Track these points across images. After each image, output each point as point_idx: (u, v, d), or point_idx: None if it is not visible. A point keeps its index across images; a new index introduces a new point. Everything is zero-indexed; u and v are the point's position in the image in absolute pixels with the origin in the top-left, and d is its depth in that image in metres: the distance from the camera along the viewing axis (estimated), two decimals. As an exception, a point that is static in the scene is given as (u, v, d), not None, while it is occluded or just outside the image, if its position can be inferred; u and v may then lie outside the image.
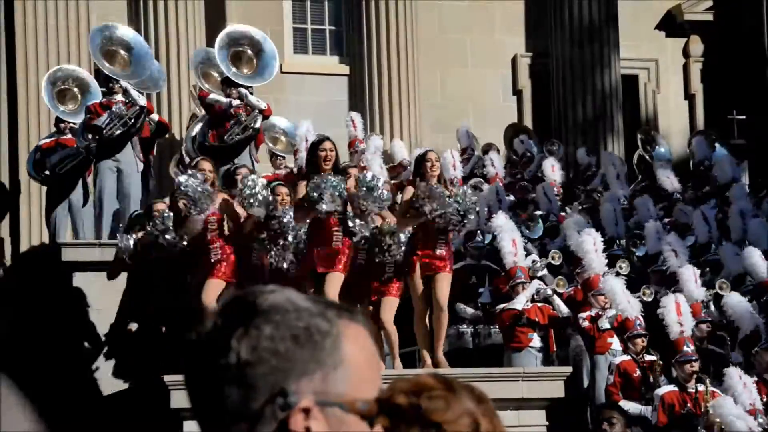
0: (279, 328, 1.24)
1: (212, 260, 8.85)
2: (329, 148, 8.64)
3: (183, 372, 1.29)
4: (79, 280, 10.44)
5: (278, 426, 1.22)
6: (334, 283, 8.43)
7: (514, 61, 16.62)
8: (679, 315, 9.45)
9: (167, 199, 10.26)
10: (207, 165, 9.24)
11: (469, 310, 10.79)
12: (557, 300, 10.28)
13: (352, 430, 1.24)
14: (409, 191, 8.85)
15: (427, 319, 8.94)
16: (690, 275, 10.46)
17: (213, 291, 8.65)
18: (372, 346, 1.29)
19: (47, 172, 12.26)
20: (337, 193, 8.40)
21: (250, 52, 12.37)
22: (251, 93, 12.01)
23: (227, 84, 11.97)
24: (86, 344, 10.15)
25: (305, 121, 12.84)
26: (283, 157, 13.02)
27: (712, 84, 17.10)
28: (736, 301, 10.17)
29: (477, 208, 9.17)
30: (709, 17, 17.25)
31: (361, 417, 1.24)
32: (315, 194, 8.36)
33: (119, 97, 11.79)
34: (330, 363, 1.24)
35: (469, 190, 9.08)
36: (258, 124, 11.80)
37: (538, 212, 12.81)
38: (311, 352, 1.23)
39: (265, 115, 11.91)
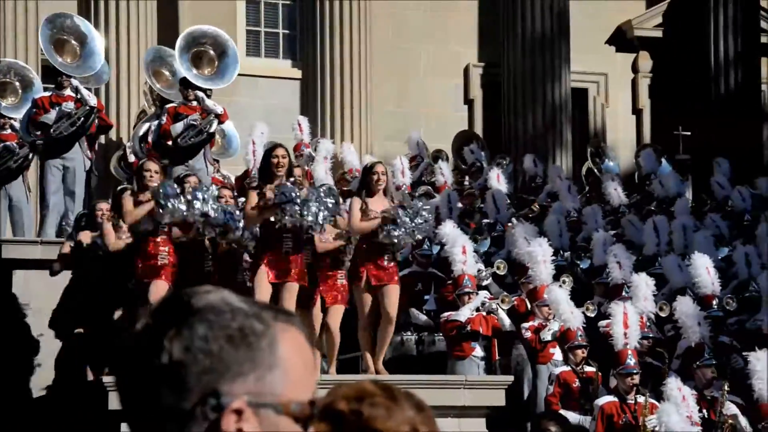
0: (213, 328, 1.22)
1: (159, 263, 8.79)
2: (281, 154, 8.62)
3: (114, 372, 1.28)
4: (20, 277, 10.29)
5: (209, 426, 1.21)
6: (291, 294, 8.43)
7: (466, 70, 16.71)
8: (625, 327, 9.54)
9: (110, 201, 10.18)
10: (153, 166, 9.16)
11: (422, 317, 10.84)
12: (501, 313, 10.34)
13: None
14: (357, 202, 8.87)
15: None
16: (643, 286, 10.54)
17: (159, 292, 8.59)
18: (308, 349, 1.28)
19: None
20: (323, 208, 8.41)
21: (212, 52, 12.28)
22: (209, 96, 11.93)
23: (185, 85, 11.86)
24: (24, 343, 10.02)
25: (260, 124, 12.78)
26: (217, 161, 12.85)
27: (660, 99, 17.34)
28: (688, 308, 10.23)
29: (427, 231, 9.28)
30: (659, 34, 17.49)
31: (295, 419, 1.23)
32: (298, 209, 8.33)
33: (68, 92, 11.64)
34: (265, 364, 1.23)
35: (425, 213, 9.09)
36: (213, 128, 11.73)
37: (486, 220, 12.87)
38: (246, 353, 1.22)
39: (221, 120, 11.83)
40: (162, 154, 11.16)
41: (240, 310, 1.25)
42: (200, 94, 11.78)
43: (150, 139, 11.95)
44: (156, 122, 11.99)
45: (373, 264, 8.80)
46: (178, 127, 11.48)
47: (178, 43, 12.14)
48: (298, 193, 8.35)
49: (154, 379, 1.22)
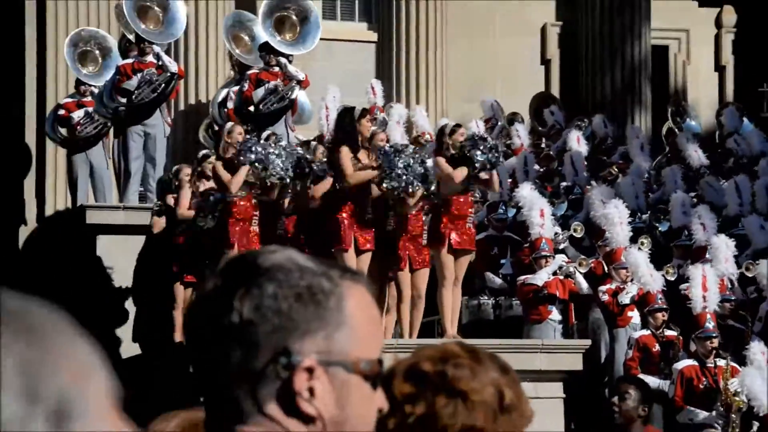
0: (281, 287, 1.22)
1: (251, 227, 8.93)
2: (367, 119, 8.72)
3: (185, 333, 1.29)
4: (103, 243, 10.53)
5: (281, 385, 1.21)
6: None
7: (543, 30, 16.47)
8: (704, 290, 9.41)
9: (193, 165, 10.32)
10: (238, 129, 9.26)
11: (497, 281, 10.82)
12: (579, 276, 10.27)
13: (355, 390, 1.24)
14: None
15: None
16: (724, 248, 10.34)
17: None
18: (374, 308, 1.28)
19: (64, 133, 12.32)
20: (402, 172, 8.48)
21: (294, 17, 12.28)
22: (290, 62, 11.94)
23: (266, 50, 11.88)
24: (109, 307, 10.27)
25: (332, 88, 12.78)
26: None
27: (744, 56, 16.88)
28: None
29: (429, 177, 9.09)
30: (743, -12, 16.99)
31: (364, 377, 1.24)
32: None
33: (150, 59, 11.79)
34: (333, 322, 1.22)
35: (425, 158, 9.06)
36: (294, 95, 11.76)
37: (564, 183, 12.74)
38: (314, 311, 1.22)
39: (303, 86, 11.86)
40: (243, 120, 11.26)
41: (307, 269, 1.25)
42: (282, 59, 11.82)
43: (231, 105, 12.05)
44: (236, 88, 12.07)
45: (455, 228, 8.81)
46: (260, 92, 11.54)
47: (262, 8, 12.17)
48: (398, 160, 8.42)
49: (224, 338, 1.22)
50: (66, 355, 0.88)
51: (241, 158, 8.78)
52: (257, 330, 1.22)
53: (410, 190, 8.58)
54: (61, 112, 12.45)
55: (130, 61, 11.92)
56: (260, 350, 1.22)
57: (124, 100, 11.68)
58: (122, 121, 11.89)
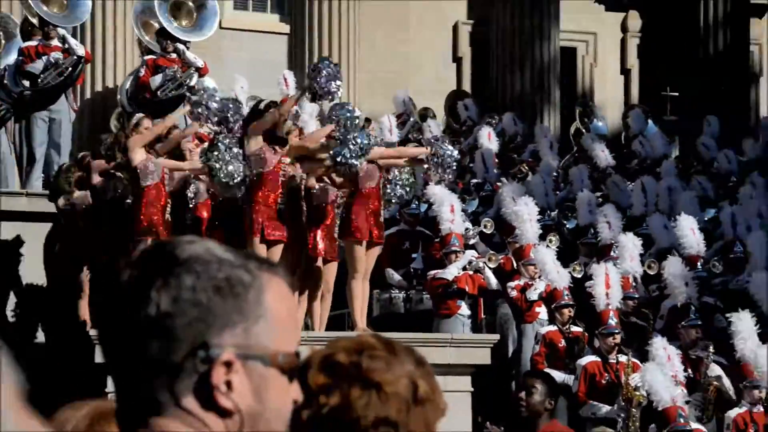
0: (200, 279, 1.21)
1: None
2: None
3: (99, 324, 1.25)
4: (6, 229, 10.25)
5: (198, 378, 1.20)
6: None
7: (455, 27, 16.61)
8: (607, 287, 9.60)
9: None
10: (148, 122, 9.10)
11: (396, 277, 10.87)
12: (488, 272, 10.39)
13: (273, 383, 1.22)
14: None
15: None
16: (630, 246, 10.57)
17: None
18: (293, 299, 1.27)
19: None
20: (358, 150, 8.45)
21: (191, 4, 12.13)
22: (188, 48, 11.79)
23: (163, 36, 11.72)
24: (12, 295, 10.00)
25: (240, 77, 12.66)
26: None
27: (649, 59, 17.31)
28: (676, 268, 10.27)
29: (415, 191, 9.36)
30: (649, -7, 17.42)
31: (282, 371, 1.23)
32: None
33: (56, 43, 11.51)
34: (252, 315, 1.21)
35: (407, 174, 9.18)
36: (193, 82, 11.61)
37: (474, 180, 12.87)
38: (233, 304, 1.21)
39: (201, 73, 11.71)
40: (139, 106, 11.06)
41: (226, 261, 1.23)
42: (180, 46, 11.66)
43: (126, 90, 11.85)
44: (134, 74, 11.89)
45: (368, 220, 8.82)
46: (158, 79, 11.35)
47: (157, -7, 12.00)
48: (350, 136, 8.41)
49: (142, 331, 1.20)
50: None
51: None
52: (175, 322, 1.20)
53: (351, 165, 8.56)
54: None
55: (34, 43, 11.61)
56: (178, 343, 1.20)
57: (27, 84, 11.36)
58: (26, 105, 11.58)
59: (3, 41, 12.18)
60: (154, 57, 11.70)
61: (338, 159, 8.49)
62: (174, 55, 11.60)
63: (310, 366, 1.61)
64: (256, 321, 1.21)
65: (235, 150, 8.61)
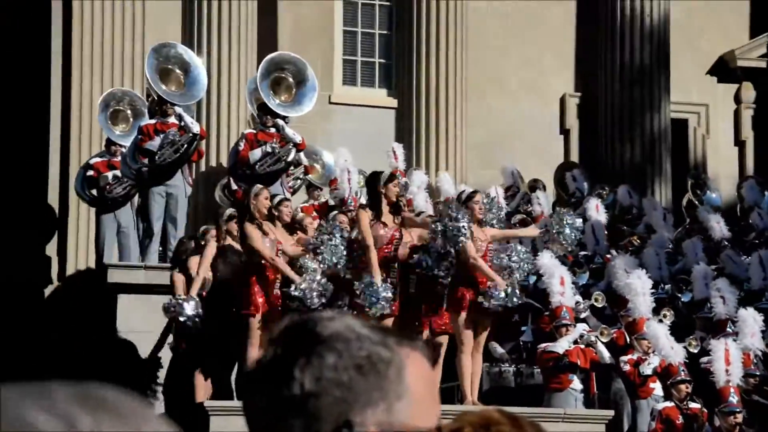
0: (342, 357, 1.22)
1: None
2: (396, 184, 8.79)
3: (243, 401, 1.27)
4: (124, 302, 10.51)
5: None
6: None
7: (562, 100, 16.60)
8: (727, 363, 9.33)
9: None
10: (266, 193, 9.28)
11: (500, 350, 10.77)
12: (600, 346, 10.20)
13: None
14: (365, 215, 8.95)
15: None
16: (751, 322, 10.27)
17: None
18: (432, 374, 1.27)
19: (94, 193, 12.38)
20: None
21: (291, 79, 12.39)
22: (287, 123, 12.01)
23: (264, 111, 11.98)
24: (127, 367, 10.19)
25: (342, 149, 12.83)
26: (320, 188, 12.96)
27: (763, 131, 16.96)
28: None
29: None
30: (763, 64, 17.14)
31: None
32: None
33: (172, 120, 11.88)
34: (393, 393, 1.22)
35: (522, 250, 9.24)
36: (291, 157, 11.81)
37: (583, 252, 12.72)
38: (375, 382, 1.22)
39: (299, 148, 11.91)
40: (238, 180, 11.28)
41: (366, 337, 1.24)
42: (280, 121, 11.88)
43: (226, 164, 12.11)
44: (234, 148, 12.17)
45: (475, 292, 8.79)
46: (257, 153, 11.58)
47: (260, 68, 12.29)
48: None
49: (285, 409, 1.22)
50: None
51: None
52: (318, 402, 1.21)
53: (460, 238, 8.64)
54: (90, 172, 12.54)
55: (152, 121, 12.01)
56: (321, 421, 1.21)
57: (146, 161, 11.74)
58: (144, 181, 11.95)
59: (131, 119, 12.64)
60: (253, 132, 11.96)
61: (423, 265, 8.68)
62: (273, 130, 11.82)
63: None
64: (397, 398, 1.22)
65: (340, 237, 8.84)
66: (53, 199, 13.72)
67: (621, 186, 14.48)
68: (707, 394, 9.57)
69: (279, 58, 12.52)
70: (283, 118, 11.96)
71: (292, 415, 1.21)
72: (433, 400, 1.25)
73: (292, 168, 12.11)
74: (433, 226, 8.87)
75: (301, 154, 12.14)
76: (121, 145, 12.45)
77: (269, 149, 11.55)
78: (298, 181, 12.68)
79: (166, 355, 10.07)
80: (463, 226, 8.81)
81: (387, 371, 1.22)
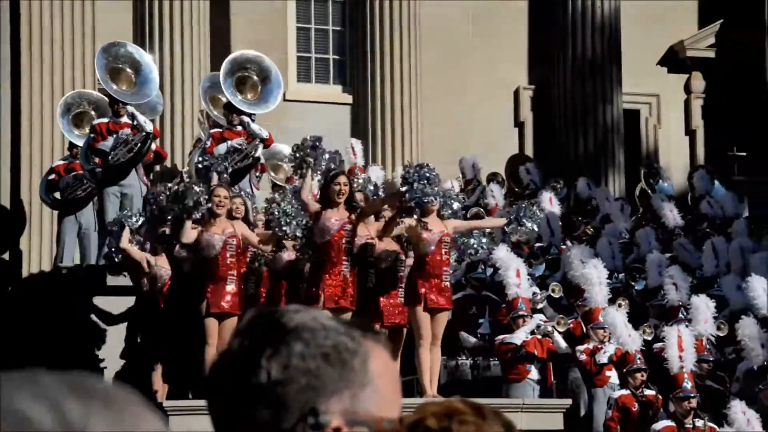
0: (309, 346, 1.24)
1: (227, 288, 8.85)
2: (343, 182, 8.73)
3: (208, 392, 1.29)
4: (85, 302, 10.44)
5: None
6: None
7: (516, 92, 16.71)
8: (680, 350, 9.45)
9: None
10: (223, 192, 9.24)
11: (472, 339, 10.82)
12: (557, 335, 10.29)
13: None
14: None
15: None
16: (704, 308, 10.40)
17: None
18: (394, 366, 1.30)
19: (57, 196, 12.30)
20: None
21: (255, 77, 12.39)
22: (253, 120, 12.01)
23: (229, 110, 11.97)
24: (88, 364, 10.13)
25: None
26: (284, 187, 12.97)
27: (713, 120, 17.20)
28: (752, 330, 10.08)
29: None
30: (711, 54, 17.37)
31: None
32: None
33: (125, 119, 11.81)
34: (358, 383, 1.24)
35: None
36: (258, 153, 11.80)
37: (539, 244, 12.82)
38: (340, 371, 1.24)
39: (267, 144, 11.91)
40: (207, 177, 11.25)
41: (332, 328, 1.26)
42: (245, 118, 11.87)
43: (195, 162, 12.08)
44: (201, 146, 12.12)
45: (431, 285, 8.83)
46: (222, 149, 11.57)
47: (223, 68, 12.27)
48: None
49: (252, 398, 1.23)
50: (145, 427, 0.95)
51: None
52: (285, 390, 1.23)
53: (427, 201, 8.65)
54: (52, 176, 12.47)
55: (105, 120, 11.94)
56: (288, 410, 1.22)
57: (97, 161, 11.67)
58: (98, 181, 11.87)
59: (96, 119, 12.52)
60: (220, 130, 11.93)
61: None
62: (240, 128, 11.82)
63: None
64: (362, 387, 1.24)
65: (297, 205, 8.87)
66: (5, 202, 13.58)
67: (580, 179, 14.60)
68: (661, 381, 9.69)
69: (242, 57, 12.50)
70: (249, 115, 11.95)
71: (258, 404, 1.23)
72: (396, 392, 1.28)
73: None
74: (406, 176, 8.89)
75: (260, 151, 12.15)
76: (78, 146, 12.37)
77: (235, 145, 11.55)
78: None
79: (119, 353, 10.03)
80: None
81: (352, 361, 1.24)
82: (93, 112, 12.57)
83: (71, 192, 12.11)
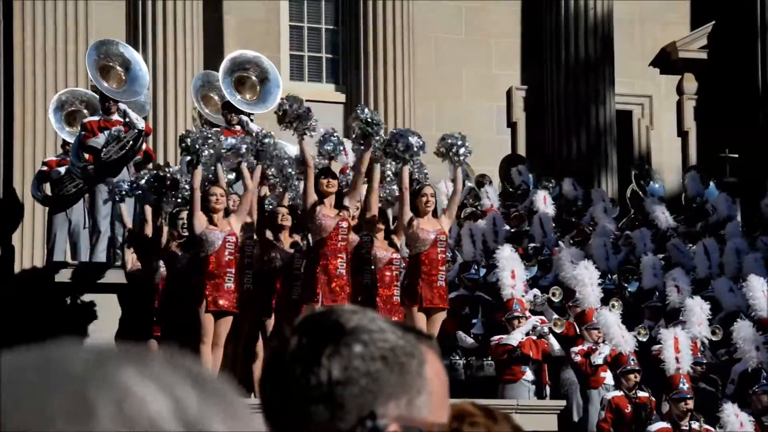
0: (369, 348, 1.22)
1: (225, 287, 8.80)
2: (430, 193, 8.83)
3: (261, 389, 1.28)
4: (74, 300, 10.40)
5: None
6: None
7: (509, 93, 16.71)
8: (677, 351, 9.46)
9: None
10: (218, 190, 9.22)
11: (469, 340, 10.82)
12: (552, 338, 10.29)
13: None
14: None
15: None
16: (698, 311, 10.41)
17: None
18: (444, 372, 1.28)
19: (48, 192, 12.24)
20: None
21: (254, 78, 12.37)
22: (252, 120, 11.99)
23: (228, 109, 11.94)
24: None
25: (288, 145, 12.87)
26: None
27: (706, 121, 17.23)
28: (747, 332, 10.09)
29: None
30: (704, 56, 17.41)
31: None
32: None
33: (116, 117, 11.76)
34: (415, 387, 1.22)
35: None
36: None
37: (532, 244, 12.82)
38: (398, 375, 1.22)
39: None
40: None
41: (389, 330, 1.25)
42: (244, 118, 11.85)
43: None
44: None
45: (427, 285, 8.82)
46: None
47: (222, 67, 12.24)
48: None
49: (310, 397, 1.22)
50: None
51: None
52: (345, 391, 1.21)
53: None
54: (44, 168, 12.41)
55: (96, 118, 11.89)
56: (346, 411, 1.21)
57: (88, 157, 11.63)
58: (91, 178, 11.82)
59: (89, 117, 12.47)
60: (218, 129, 11.91)
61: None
62: (238, 127, 11.80)
63: None
64: (418, 393, 1.22)
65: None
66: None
67: (566, 179, 14.61)
68: (657, 382, 9.70)
69: (241, 57, 12.47)
70: (248, 115, 11.95)
71: (316, 404, 1.21)
72: (446, 397, 1.26)
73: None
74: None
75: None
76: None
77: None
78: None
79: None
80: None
81: (410, 365, 1.23)
82: (85, 111, 12.53)
83: (62, 189, 12.05)
